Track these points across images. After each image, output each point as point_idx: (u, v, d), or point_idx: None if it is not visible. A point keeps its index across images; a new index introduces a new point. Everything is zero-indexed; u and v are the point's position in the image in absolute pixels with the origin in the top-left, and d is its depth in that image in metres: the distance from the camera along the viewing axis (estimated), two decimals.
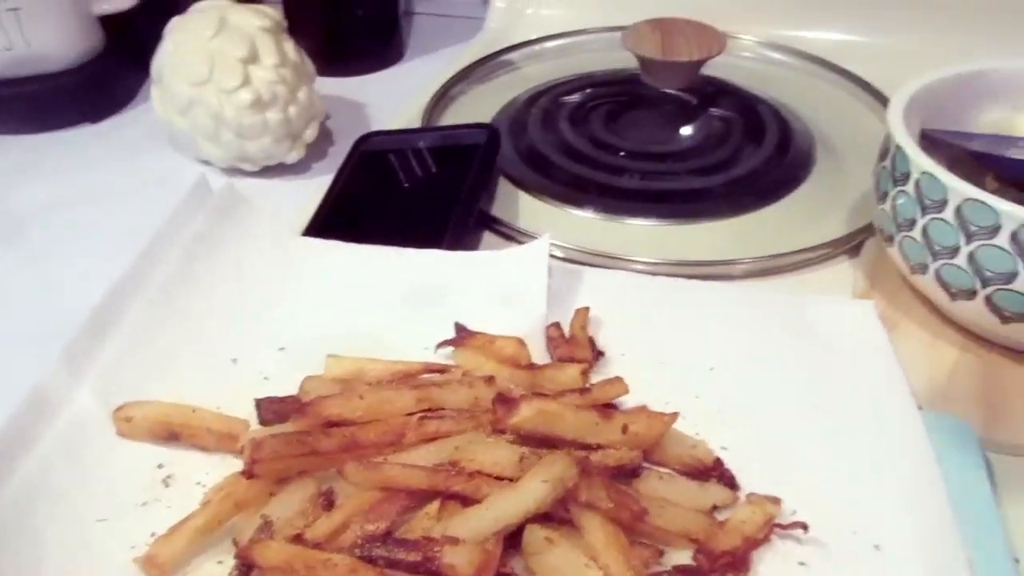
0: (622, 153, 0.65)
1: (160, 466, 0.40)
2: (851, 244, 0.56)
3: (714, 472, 0.39)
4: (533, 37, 0.83)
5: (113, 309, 0.45)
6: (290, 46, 0.67)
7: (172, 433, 0.40)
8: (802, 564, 0.36)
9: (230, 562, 0.35)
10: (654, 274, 0.54)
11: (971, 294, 0.44)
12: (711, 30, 0.68)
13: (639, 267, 0.55)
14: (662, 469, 0.39)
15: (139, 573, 0.35)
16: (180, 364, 0.44)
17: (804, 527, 0.36)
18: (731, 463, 0.39)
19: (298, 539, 0.35)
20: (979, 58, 0.54)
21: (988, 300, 0.43)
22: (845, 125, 0.69)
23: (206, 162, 0.68)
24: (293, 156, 0.67)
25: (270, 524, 0.35)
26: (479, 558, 0.32)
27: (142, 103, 0.78)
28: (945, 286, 0.45)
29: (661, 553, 0.36)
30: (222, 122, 0.64)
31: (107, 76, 0.77)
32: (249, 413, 0.41)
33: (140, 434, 0.40)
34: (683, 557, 0.36)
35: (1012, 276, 0.42)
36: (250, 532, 0.35)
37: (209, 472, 0.39)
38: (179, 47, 0.66)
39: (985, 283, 0.43)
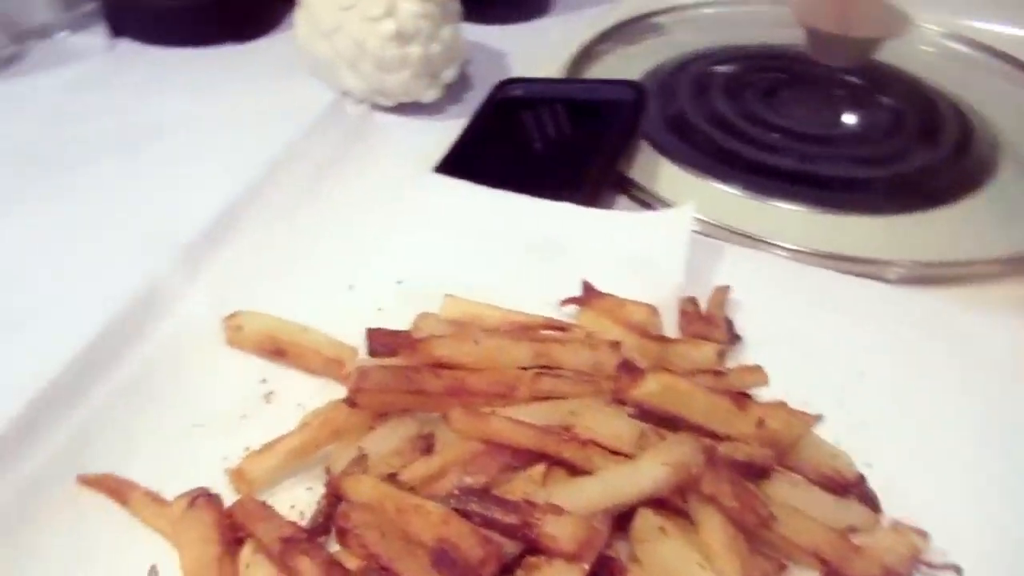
0: (777, 131, 0.60)
1: (263, 381, 0.38)
2: None
3: (855, 489, 0.34)
4: (689, 2, 0.78)
5: (236, 217, 0.44)
6: None
7: (279, 349, 0.38)
8: None
9: (319, 490, 0.34)
10: (796, 261, 0.49)
11: None
12: (893, 8, 0.62)
13: (782, 252, 0.50)
14: (795, 476, 0.35)
15: (227, 484, 0.33)
16: (296, 281, 0.42)
17: (957, 571, 0.32)
18: (875, 483, 0.35)
19: (392, 479, 0.32)
20: None
21: None
22: None
23: (344, 93, 0.66)
24: (430, 95, 0.65)
25: (365, 458, 0.33)
26: (584, 534, 0.29)
27: (287, 29, 0.77)
28: None
29: (784, 568, 0.32)
30: (363, 51, 0.63)
31: None
32: (359, 342, 0.39)
33: (248, 345, 0.39)
34: None
35: None
36: (344, 463, 0.33)
37: (312, 395, 0.38)
38: None
39: None
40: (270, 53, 0.74)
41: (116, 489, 0.32)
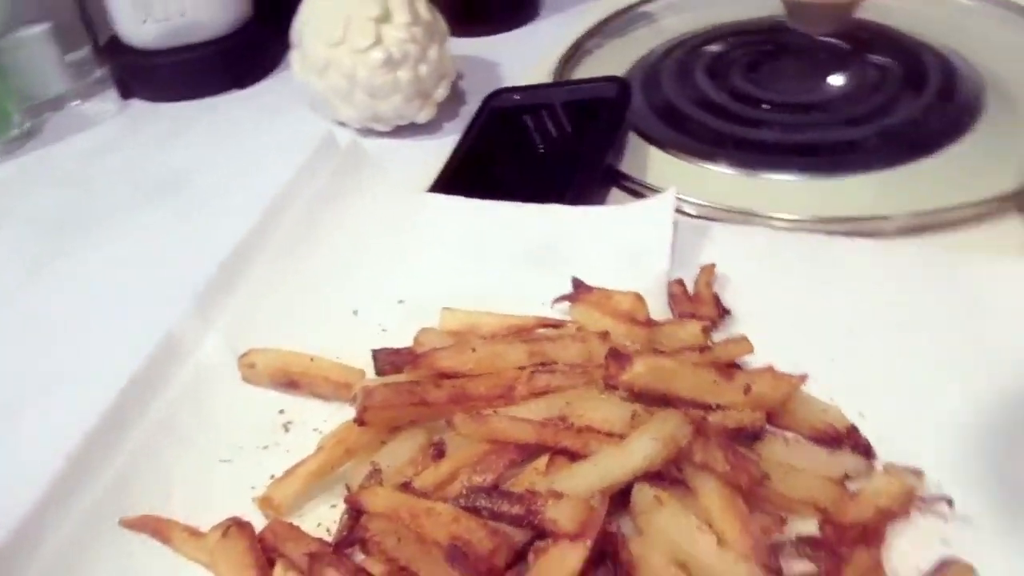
0: (764, 105, 0.61)
1: (281, 411, 0.41)
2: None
3: (848, 440, 0.36)
4: None
5: (241, 261, 0.46)
6: (422, 4, 0.67)
7: (291, 381, 0.41)
8: (944, 542, 0.32)
9: (342, 506, 0.36)
10: (796, 231, 0.50)
11: None
12: None
13: (779, 224, 0.51)
14: (788, 434, 0.36)
15: (256, 511, 0.36)
16: (303, 314, 0.45)
17: (949, 502, 0.33)
18: (868, 431, 0.36)
19: (406, 487, 0.35)
20: None
21: None
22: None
23: (342, 123, 0.69)
24: (424, 115, 0.67)
25: (379, 471, 0.35)
26: (583, 514, 0.31)
27: (285, 69, 0.80)
28: None
29: (784, 522, 0.33)
30: (355, 82, 0.65)
31: (254, 43, 0.79)
32: (367, 363, 0.41)
33: (262, 380, 0.41)
34: (809, 527, 0.33)
35: None
36: (360, 478, 0.35)
37: (327, 419, 0.40)
38: (316, 10, 0.67)
39: None
40: (273, 94, 0.77)
41: (157, 528, 0.35)
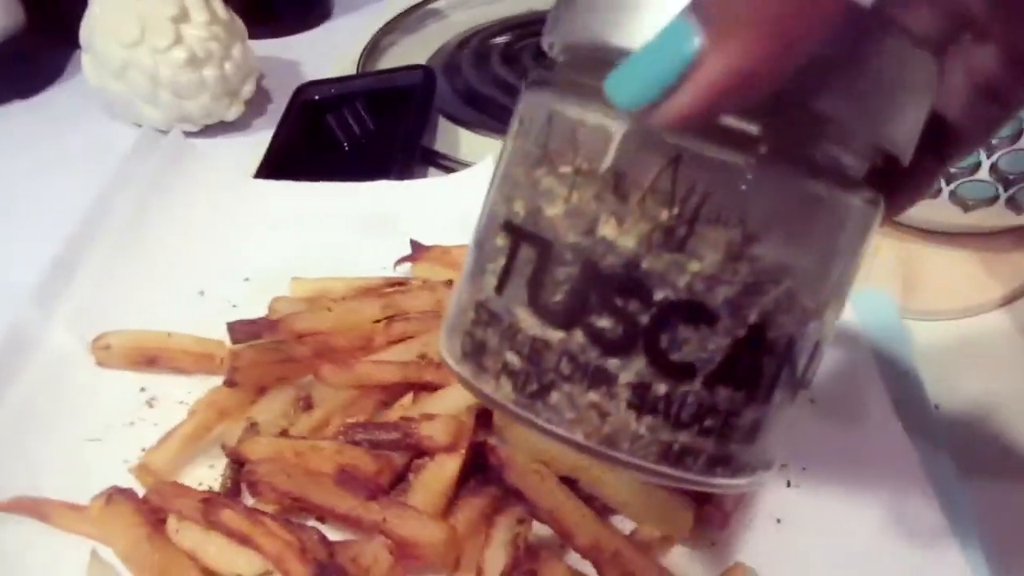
0: None
1: (142, 389, 0.42)
2: None
3: None
4: None
5: (76, 252, 0.46)
6: (218, 4, 0.68)
7: (150, 358, 0.42)
8: None
9: (221, 465, 0.38)
10: None
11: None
12: None
13: None
14: None
15: (134, 483, 0.37)
16: (149, 297, 0.45)
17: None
18: None
19: (284, 435, 0.37)
20: None
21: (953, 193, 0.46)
22: None
23: (146, 126, 0.68)
24: (233, 113, 0.68)
25: (256, 426, 0.38)
26: (454, 427, 0.35)
27: (73, 75, 0.78)
28: None
29: None
30: (158, 82, 0.65)
31: (32, 51, 0.76)
32: (221, 339, 0.43)
33: (119, 361, 0.42)
34: None
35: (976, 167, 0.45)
36: (237, 435, 0.37)
37: (190, 391, 0.41)
38: (107, 10, 0.66)
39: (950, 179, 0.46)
40: (62, 102, 0.74)
41: (32, 507, 0.35)
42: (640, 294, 0.21)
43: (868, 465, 0.38)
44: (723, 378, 0.22)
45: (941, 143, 0.24)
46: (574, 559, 0.34)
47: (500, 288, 0.23)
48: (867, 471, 0.38)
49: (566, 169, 0.22)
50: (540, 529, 0.34)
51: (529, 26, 0.76)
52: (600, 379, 0.22)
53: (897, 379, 0.43)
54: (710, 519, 0.35)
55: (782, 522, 0.36)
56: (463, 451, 0.34)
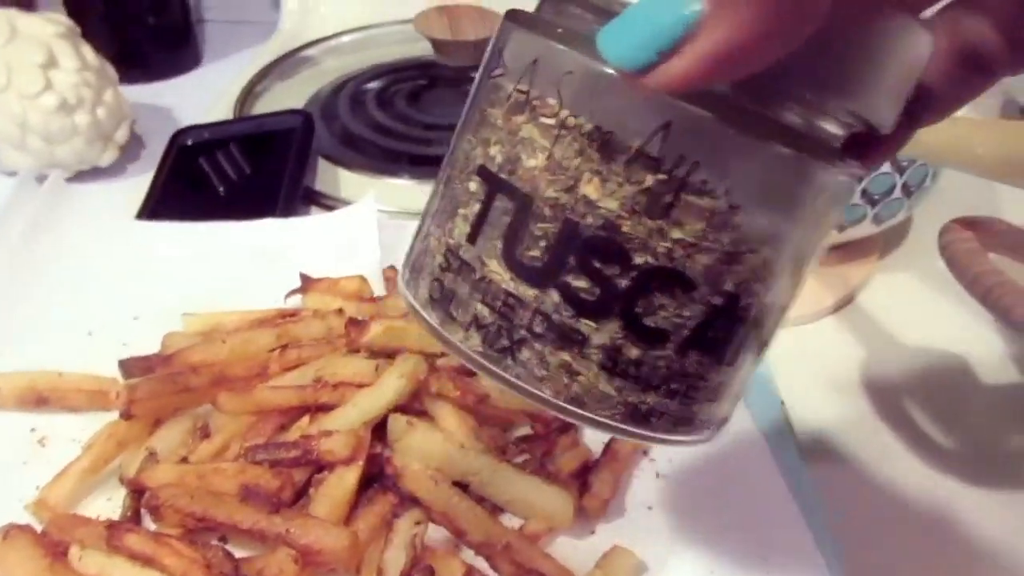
0: (426, 127, 0.72)
1: (33, 429, 0.42)
2: None
3: None
4: (328, 34, 0.88)
5: None
6: (88, 50, 0.68)
7: (40, 398, 0.42)
8: None
9: (119, 497, 0.38)
10: None
11: None
12: (492, 12, 0.76)
13: None
14: None
15: (32, 520, 0.37)
16: (36, 338, 0.46)
17: None
18: None
19: (184, 461, 0.38)
20: None
21: None
22: None
23: (13, 173, 0.67)
24: (107, 158, 0.68)
25: (155, 455, 0.39)
26: (353, 441, 0.37)
27: None
28: None
29: (506, 430, 0.43)
30: (28, 128, 0.65)
31: None
32: (114, 376, 0.44)
33: (7, 403, 0.42)
34: (525, 431, 0.43)
35: None
36: (136, 466, 0.38)
37: (84, 428, 0.42)
38: None
39: None
40: None
41: None
42: (619, 258, 0.21)
43: (727, 457, 0.43)
44: (695, 344, 0.22)
45: (914, 104, 0.24)
46: (468, 555, 0.37)
47: (472, 237, 0.22)
48: (726, 462, 0.43)
49: (549, 120, 0.21)
50: (435, 531, 0.37)
51: (402, 71, 0.80)
52: (572, 339, 0.21)
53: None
54: (589, 510, 0.39)
55: (653, 508, 0.41)
56: (361, 462, 0.37)
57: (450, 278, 0.23)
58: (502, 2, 0.79)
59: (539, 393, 0.22)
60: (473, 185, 0.23)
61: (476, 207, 0.22)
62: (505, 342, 0.22)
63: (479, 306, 0.22)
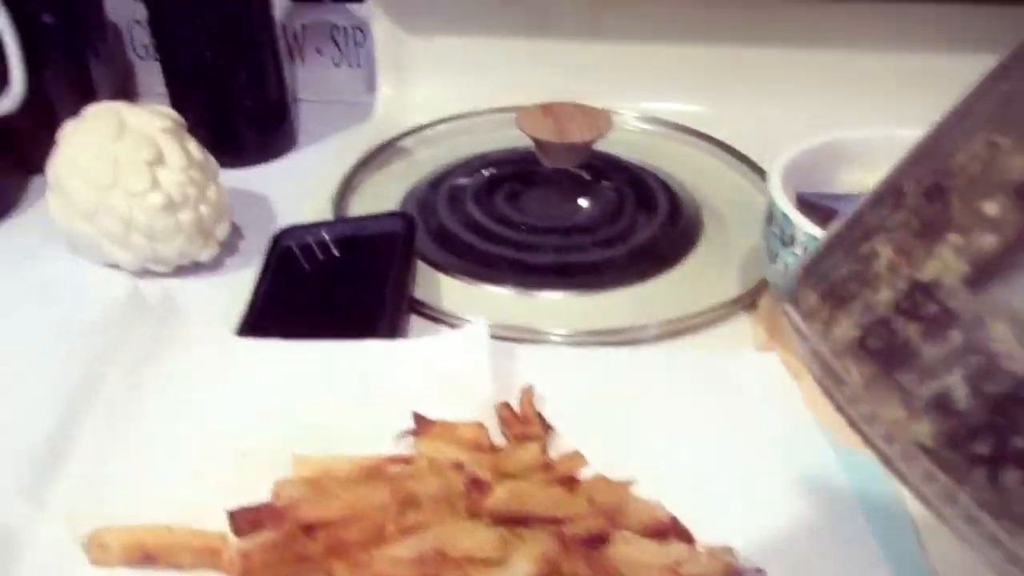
0: (526, 229, 0.70)
1: None
2: (748, 301, 0.62)
3: (672, 530, 0.42)
4: (423, 122, 0.87)
5: (63, 433, 0.44)
6: (193, 145, 0.68)
7: (148, 555, 0.40)
8: None
9: None
10: (571, 345, 0.58)
11: None
12: (597, 111, 0.74)
13: (555, 339, 0.59)
14: (627, 533, 0.42)
15: None
16: (142, 484, 0.44)
17: (759, 571, 0.40)
18: (686, 520, 0.43)
19: None
20: (831, 128, 0.62)
21: None
22: (721, 188, 0.77)
23: (113, 265, 0.67)
24: (207, 254, 0.67)
25: None
26: None
27: (29, 208, 0.76)
28: None
29: None
30: (132, 226, 0.64)
31: None
32: (220, 525, 0.41)
33: (115, 560, 0.40)
34: None
35: None
36: None
37: None
38: (79, 152, 0.65)
39: None
40: (22, 235, 0.72)
41: None
42: None
43: None
44: None
45: None
46: None
47: (974, 281, 0.16)
48: None
49: None
50: None
51: (502, 165, 0.78)
52: None
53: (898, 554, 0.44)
54: None
55: None
56: None
57: (912, 329, 0.16)
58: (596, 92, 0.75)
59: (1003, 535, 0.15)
60: (991, 207, 0.16)
61: (990, 240, 0.16)
62: (984, 449, 0.15)
63: (957, 382, 0.16)
